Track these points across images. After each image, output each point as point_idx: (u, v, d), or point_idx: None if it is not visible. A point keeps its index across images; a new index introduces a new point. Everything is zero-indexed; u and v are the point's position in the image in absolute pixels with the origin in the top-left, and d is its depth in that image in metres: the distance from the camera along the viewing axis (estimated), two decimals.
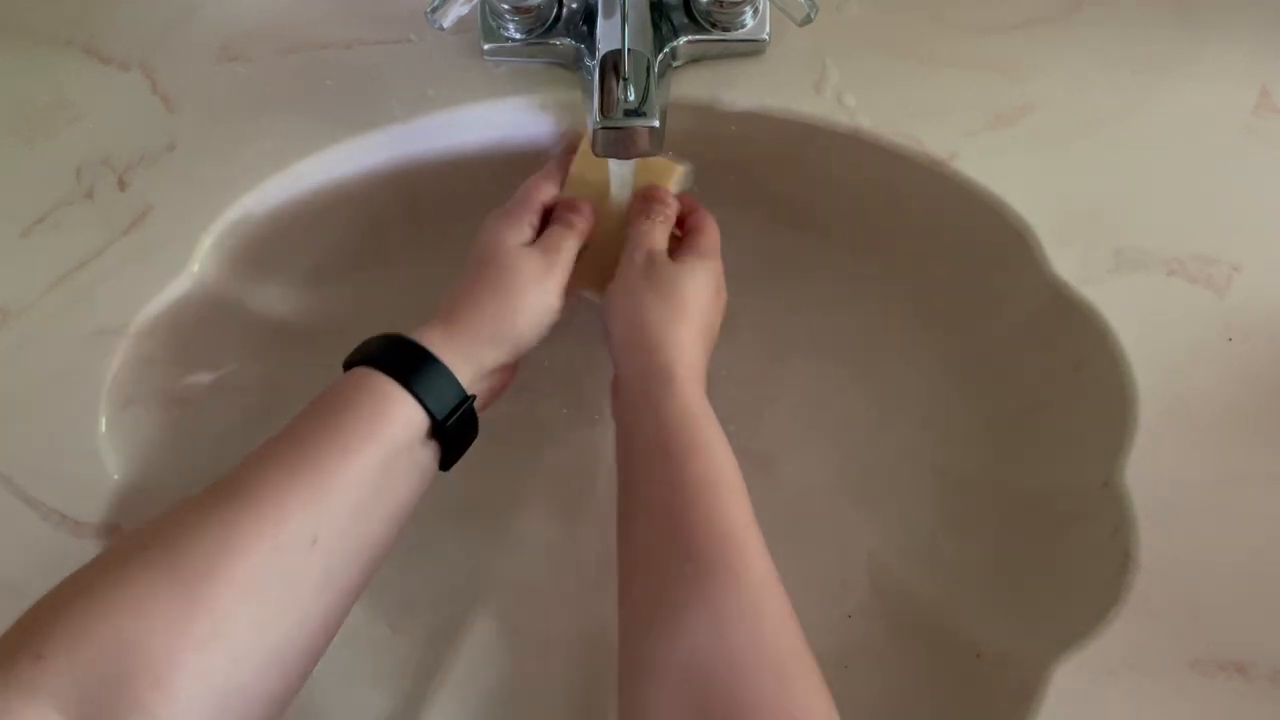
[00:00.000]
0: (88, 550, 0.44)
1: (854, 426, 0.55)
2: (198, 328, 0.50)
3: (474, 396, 0.41)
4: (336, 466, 0.36)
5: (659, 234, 0.48)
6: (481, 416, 0.43)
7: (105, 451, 0.45)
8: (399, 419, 0.38)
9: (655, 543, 0.38)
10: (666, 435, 0.40)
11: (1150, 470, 0.43)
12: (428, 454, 0.40)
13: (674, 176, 0.50)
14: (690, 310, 0.45)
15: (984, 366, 0.52)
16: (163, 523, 0.33)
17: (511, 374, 0.46)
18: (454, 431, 0.40)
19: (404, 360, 0.40)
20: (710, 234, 0.49)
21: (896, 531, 0.52)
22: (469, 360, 0.42)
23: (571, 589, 0.53)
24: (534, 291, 0.44)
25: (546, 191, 0.49)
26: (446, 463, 0.42)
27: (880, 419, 0.55)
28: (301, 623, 0.33)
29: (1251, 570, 0.42)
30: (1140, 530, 0.42)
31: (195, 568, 0.31)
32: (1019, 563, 0.48)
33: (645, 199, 0.49)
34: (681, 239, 0.49)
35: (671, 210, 0.49)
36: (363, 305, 0.56)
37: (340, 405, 0.38)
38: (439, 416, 0.39)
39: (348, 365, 0.41)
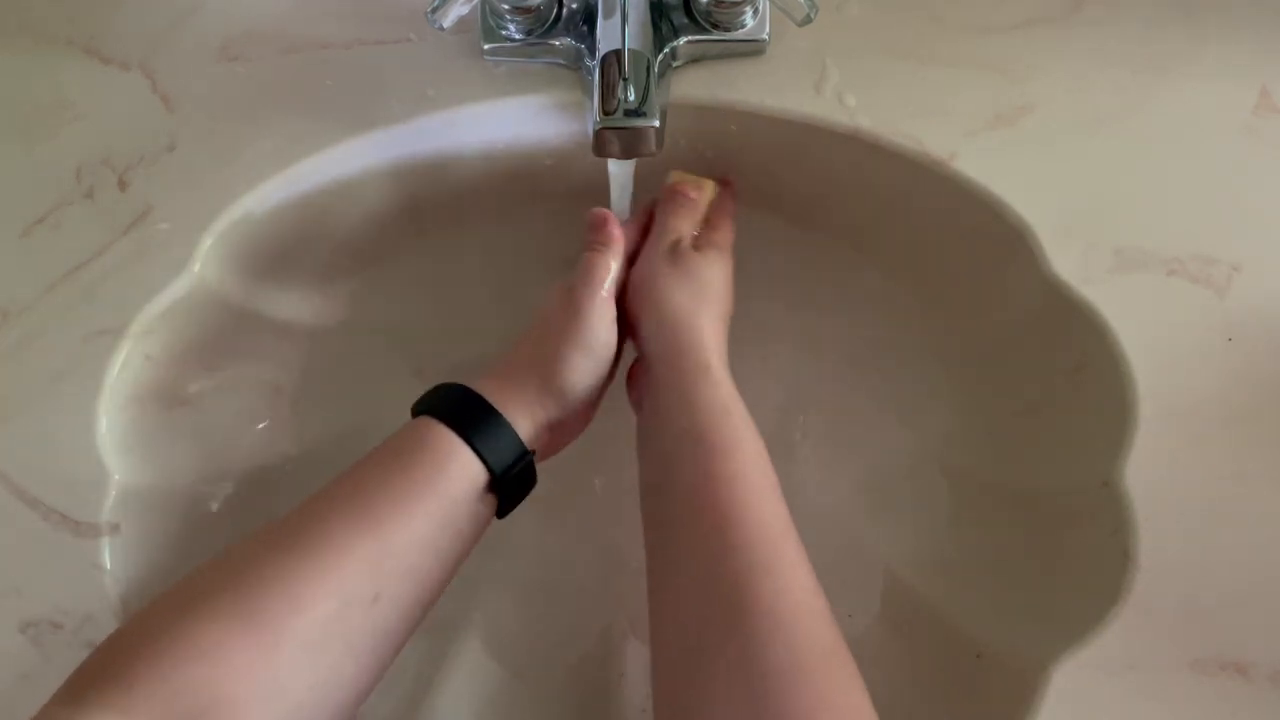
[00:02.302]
0: (88, 550, 0.44)
1: (852, 425, 0.55)
2: (198, 328, 0.50)
3: (533, 453, 0.41)
4: (398, 524, 0.36)
5: (685, 225, 0.48)
6: None
7: (105, 451, 0.45)
8: (458, 475, 0.38)
9: (695, 540, 0.37)
10: (704, 427, 0.40)
11: (1150, 470, 0.43)
12: (485, 506, 0.40)
13: (707, 187, 0.51)
14: (714, 299, 0.45)
15: (983, 366, 0.52)
16: (229, 565, 0.35)
17: (581, 424, 0.46)
18: (512, 485, 0.40)
19: (466, 413, 0.40)
20: (728, 231, 0.49)
21: (896, 531, 0.52)
22: (527, 414, 0.41)
23: (571, 589, 0.53)
24: (566, 330, 0.43)
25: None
26: (503, 511, 0.42)
27: (878, 418, 0.55)
28: (356, 679, 0.35)
29: (1251, 570, 0.42)
30: (1140, 530, 0.42)
31: (266, 621, 0.33)
32: (1019, 563, 0.48)
33: (673, 192, 0.49)
34: (699, 234, 0.49)
35: (699, 205, 0.49)
36: (363, 305, 0.56)
37: (402, 457, 0.39)
38: (497, 471, 0.39)
39: (415, 412, 0.41)
